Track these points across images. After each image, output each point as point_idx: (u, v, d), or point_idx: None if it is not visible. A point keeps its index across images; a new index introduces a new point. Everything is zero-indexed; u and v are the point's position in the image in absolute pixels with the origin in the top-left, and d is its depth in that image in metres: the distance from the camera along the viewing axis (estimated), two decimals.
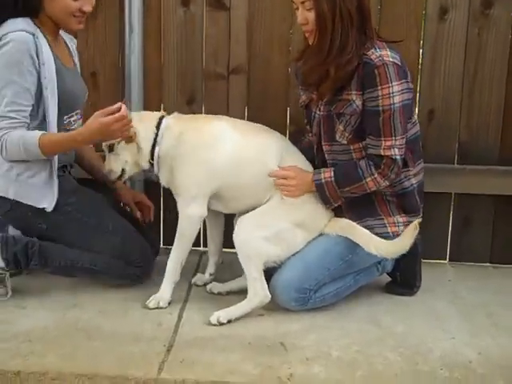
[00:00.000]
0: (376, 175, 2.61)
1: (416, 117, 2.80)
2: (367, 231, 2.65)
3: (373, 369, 2.32)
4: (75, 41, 3.05)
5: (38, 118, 2.70)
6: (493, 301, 2.87)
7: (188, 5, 3.19)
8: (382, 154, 2.58)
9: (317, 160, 2.82)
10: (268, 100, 3.24)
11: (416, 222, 2.63)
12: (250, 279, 2.62)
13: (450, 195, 3.28)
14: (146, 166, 2.74)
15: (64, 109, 2.77)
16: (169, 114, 2.79)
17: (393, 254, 2.65)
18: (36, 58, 2.64)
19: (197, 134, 2.69)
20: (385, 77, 2.53)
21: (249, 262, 2.62)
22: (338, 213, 2.76)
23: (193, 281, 2.97)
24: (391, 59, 2.54)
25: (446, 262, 3.32)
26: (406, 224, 2.72)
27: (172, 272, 2.74)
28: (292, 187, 2.67)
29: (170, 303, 2.72)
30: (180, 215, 2.72)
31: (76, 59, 3.00)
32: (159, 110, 2.86)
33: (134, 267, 2.83)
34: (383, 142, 2.58)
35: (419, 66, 3.17)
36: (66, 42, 2.96)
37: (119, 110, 2.55)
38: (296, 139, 2.97)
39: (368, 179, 2.62)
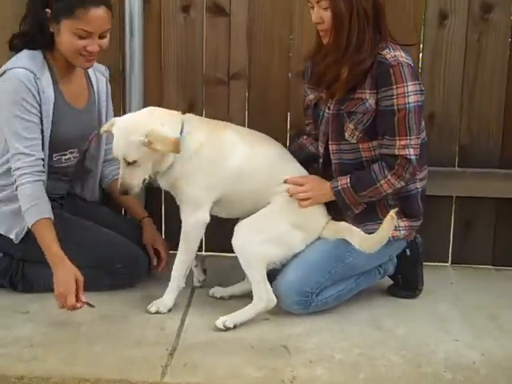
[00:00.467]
0: (389, 177, 2.61)
1: (423, 123, 2.76)
2: (359, 230, 2.65)
3: (375, 371, 2.32)
4: (108, 73, 3.01)
5: None
6: (495, 303, 2.87)
7: (188, 11, 3.20)
8: (397, 153, 2.58)
9: (321, 160, 2.81)
10: (268, 105, 3.24)
11: (392, 212, 2.56)
12: (254, 283, 2.62)
13: (451, 198, 3.28)
14: (161, 170, 2.65)
15: (55, 148, 2.77)
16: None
17: (371, 248, 2.60)
18: (37, 94, 2.65)
19: (212, 149, 2.65)
20: (400, 76, 2.53)
21: (250, 267, 2.62)
22: (337, 215, 2.76)
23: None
24: (405, 60, 2.56)
25: (448, 264, 3.32)
26: (407, 228, 2.73)
27: (177, 278, 2.73)
28: (307, 194, 2.69)
29: (170, 310, 2.70)
30: (184, 222, 2.70)
31: (102, 95, 2.94)
32: None
33: (123, 275, 2.83)
34: (398, 142, 2.58)
35: (419, 71, 3.18)
36: (89, 77, 2.90)
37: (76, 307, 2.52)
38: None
39: (382, 181, 2.62)
